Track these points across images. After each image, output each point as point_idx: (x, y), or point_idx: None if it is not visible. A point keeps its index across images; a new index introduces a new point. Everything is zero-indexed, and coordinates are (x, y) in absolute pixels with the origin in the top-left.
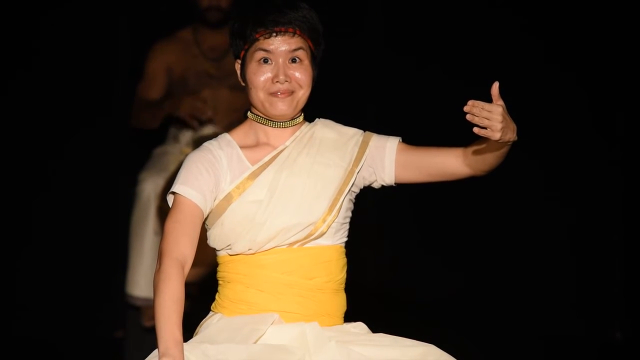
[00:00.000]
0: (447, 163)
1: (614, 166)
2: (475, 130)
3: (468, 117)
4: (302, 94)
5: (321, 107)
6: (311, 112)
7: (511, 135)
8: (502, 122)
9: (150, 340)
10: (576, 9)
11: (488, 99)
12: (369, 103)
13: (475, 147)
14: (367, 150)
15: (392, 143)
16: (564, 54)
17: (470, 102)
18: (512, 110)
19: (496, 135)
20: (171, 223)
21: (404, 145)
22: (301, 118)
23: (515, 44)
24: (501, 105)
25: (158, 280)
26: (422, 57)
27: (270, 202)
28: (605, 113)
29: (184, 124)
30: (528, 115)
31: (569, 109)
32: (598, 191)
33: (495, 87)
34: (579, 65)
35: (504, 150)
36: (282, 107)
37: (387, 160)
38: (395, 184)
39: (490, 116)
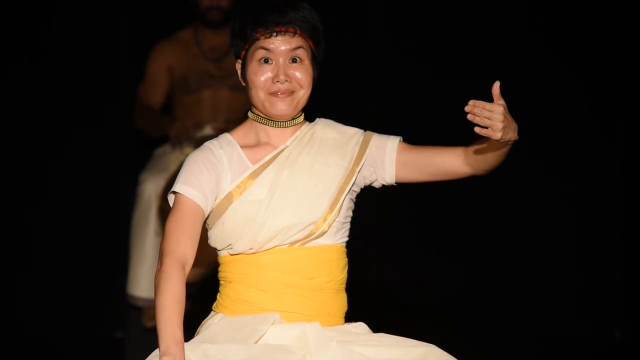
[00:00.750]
0: (448, 162)
1: (615, 167)
2: (477, 130)
3: (469, 117)
4: (303, 94)
5: (321, 107)
6: (312, 112)
7: (512, 135)
8: (503, 121)
9: (150, 340)
10: (575, 6)
11: (489, 99)
12: (370, 103)
13: (476, 147)
14: (368, 150)
15: (392, 142)
16: (566, 53)
17: (471, 102)
18: (514, 109)
19: (497, 135)
20: (172, 223)
21: (404, 145)
22: (302, 118)
23: (516, 44)
24: (502, 105)
25: (159, 280)
26: (423, 57)
27: (271, 201)
28: (606, 114)
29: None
30: (529, 115)
31: (569, 108)
32: (599, 191)
33: (496, 87)
34: (580, 65)
35: (505, 149)
36: (282, 107)
37: (387, 160)
38: (396, 183)
39: (491, 116)
